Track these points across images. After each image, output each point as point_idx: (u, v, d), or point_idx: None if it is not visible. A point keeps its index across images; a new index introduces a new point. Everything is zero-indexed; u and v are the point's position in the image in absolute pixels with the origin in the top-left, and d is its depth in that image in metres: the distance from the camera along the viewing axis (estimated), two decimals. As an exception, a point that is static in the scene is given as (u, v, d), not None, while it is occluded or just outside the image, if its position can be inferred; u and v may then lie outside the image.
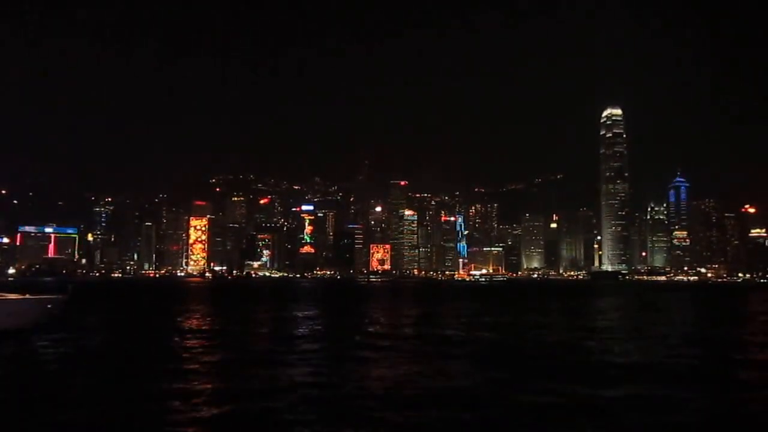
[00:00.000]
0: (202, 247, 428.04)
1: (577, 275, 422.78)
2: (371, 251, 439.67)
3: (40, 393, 17.08)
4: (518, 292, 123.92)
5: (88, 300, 63.28)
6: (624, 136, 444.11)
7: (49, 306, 33.37)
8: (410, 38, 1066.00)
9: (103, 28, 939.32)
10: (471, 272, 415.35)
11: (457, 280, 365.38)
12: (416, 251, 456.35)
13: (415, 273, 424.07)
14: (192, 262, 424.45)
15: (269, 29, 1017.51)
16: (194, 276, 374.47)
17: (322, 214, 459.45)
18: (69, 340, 28.40)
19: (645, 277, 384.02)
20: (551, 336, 32.61)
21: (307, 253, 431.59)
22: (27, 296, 33.45)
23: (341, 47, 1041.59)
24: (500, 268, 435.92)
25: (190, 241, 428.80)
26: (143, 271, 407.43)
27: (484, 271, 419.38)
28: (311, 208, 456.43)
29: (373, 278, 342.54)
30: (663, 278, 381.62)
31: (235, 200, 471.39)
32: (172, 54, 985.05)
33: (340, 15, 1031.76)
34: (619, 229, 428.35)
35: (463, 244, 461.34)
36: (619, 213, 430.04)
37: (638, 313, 59.40)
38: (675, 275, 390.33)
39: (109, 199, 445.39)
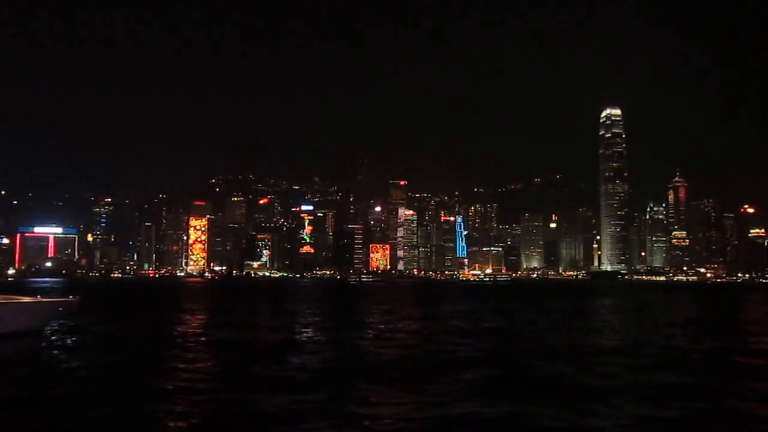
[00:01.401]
0: (202, 247, 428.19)
1: (576, 275, 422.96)
2: (371, 251, 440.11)
3: (48, 393, 17.33)
4: (527, 293, 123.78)
5: (92, 301, 63.41)
6: (623, 136, 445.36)
7: (60, 309, 33.93)
8: (410, 39, 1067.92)
9: (104, 29, 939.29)
10: (474, 272, 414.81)
11: (462, 279, 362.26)
12: (416, 251, 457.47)
13: (415, 273, 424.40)
14: (192, 262, 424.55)
15: (268, 29, 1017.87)
16: (194, 276, 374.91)
17: (321, 214, 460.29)
18: (75, 343, 28.78)
19: (644, 277, 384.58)
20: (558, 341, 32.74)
21: (307, 253, 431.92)
22: (39, 298, 33.98)
23: (341, 47, 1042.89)
24: (502, 268, 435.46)
25: (190, 241, 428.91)
26: (143, 271, 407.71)
27: (488, 271, 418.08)
28: (311, 208, 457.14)
29: (365, 278, 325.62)
30: (662, 278, 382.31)
31: (234, 200, 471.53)
32: (172, 54, 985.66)
33: (340, 14, 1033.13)
34: (618, 229, 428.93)
35: (462, 244, 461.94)
36: (619, 213, 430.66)
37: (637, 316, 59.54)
38: (674, 275, 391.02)
39: (109, 199, 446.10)
